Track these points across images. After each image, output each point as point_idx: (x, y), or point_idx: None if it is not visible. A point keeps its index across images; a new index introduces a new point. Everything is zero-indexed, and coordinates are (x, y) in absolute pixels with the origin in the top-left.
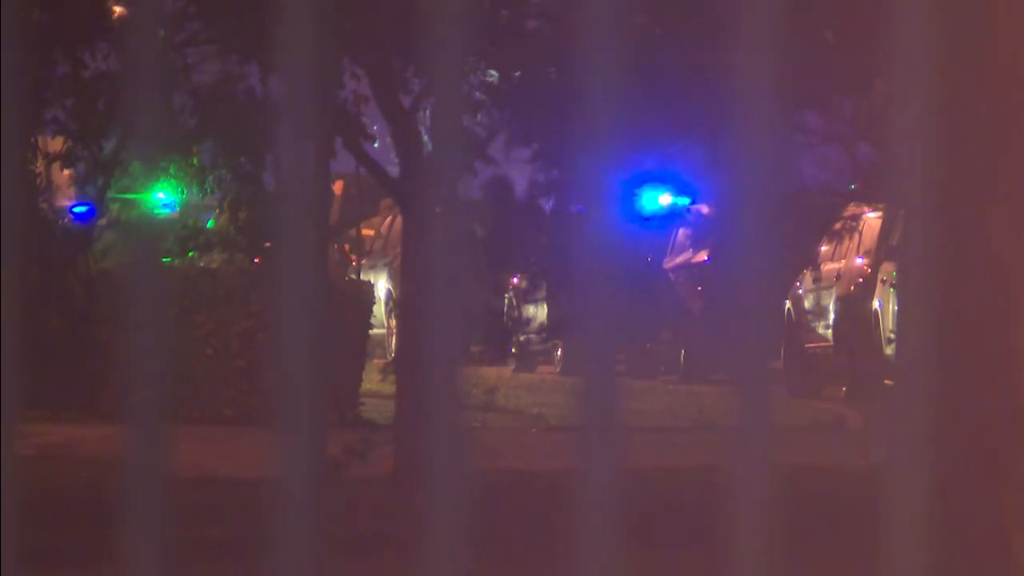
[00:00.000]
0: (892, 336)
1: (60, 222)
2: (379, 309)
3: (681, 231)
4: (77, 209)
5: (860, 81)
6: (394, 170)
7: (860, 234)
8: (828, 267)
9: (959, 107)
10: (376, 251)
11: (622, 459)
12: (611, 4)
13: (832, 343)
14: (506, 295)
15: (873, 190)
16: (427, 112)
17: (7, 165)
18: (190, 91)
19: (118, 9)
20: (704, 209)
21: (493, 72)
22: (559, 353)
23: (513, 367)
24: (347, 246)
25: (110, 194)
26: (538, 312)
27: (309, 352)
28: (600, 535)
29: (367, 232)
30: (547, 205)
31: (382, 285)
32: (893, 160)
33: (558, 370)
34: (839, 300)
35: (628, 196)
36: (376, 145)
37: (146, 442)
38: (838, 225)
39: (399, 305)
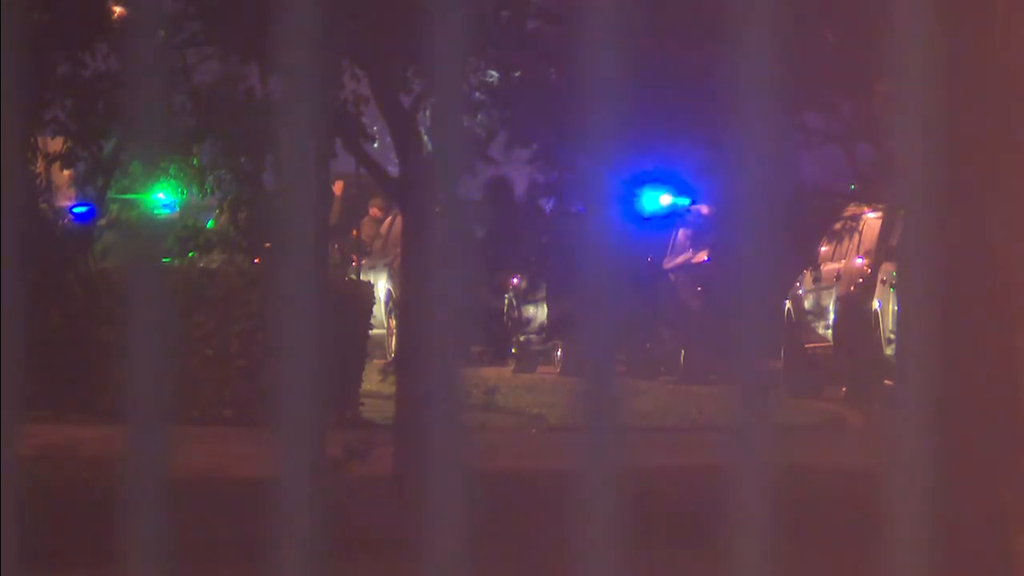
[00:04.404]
0: (892, 336)
1: (60, 222)
2: (379, 309)
3: (681, 231)
4: (77, 209)
5: (860, 81)
6: (394, 170)
7: (860, 234)
8: (828, 267)
9: (959, 108)
10: (376, 251)
11: (622, 459)
12: (611, 4)
13: (832, 343)
14: (506, 295)
15: (873, 190)
16: (427, 112)
17: (7, 165)
18: (190, 91)
19: (118, 9)
20: (704, 209)
21: (493, 72)
22: (559, 353)
23: (513, 367)
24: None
25: (110, 194)
26: (538, 312)
27: (309, 352)
28: (600, 535)
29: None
30: (547, 205)
31: (382, 285)
32: (893, 160)
33: (558, 370)
34: (839, 300)
35: (628, 196)
36: (376, 145)
37: (146, 442)
38: (838, 225)
39: (399, 305)
